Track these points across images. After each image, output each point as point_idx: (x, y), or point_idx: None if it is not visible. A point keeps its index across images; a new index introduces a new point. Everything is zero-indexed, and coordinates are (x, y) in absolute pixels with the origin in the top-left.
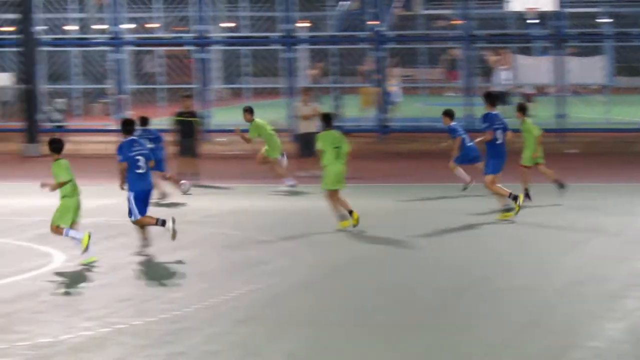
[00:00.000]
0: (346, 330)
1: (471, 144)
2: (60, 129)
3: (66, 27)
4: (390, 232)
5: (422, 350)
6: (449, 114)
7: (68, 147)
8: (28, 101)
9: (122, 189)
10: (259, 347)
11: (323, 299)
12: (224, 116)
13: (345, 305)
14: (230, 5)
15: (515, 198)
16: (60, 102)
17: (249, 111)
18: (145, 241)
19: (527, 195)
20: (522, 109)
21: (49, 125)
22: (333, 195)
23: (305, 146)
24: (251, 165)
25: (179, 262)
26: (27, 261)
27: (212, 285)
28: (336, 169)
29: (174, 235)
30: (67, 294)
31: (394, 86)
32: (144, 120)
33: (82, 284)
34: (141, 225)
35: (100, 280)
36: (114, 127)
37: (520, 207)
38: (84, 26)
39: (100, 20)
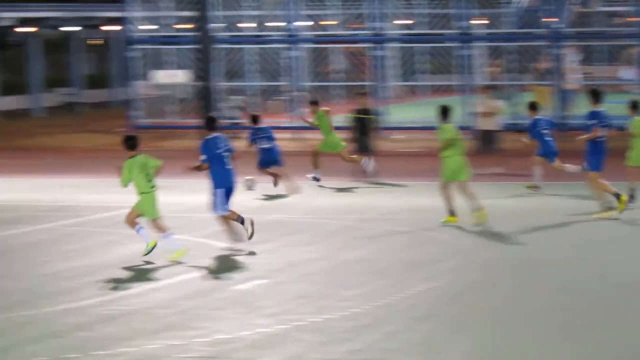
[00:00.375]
0: (523, 328)
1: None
2: (236, 126)
3: (242, 25)
4: (567, 232)
5: (595, 349)
6: (533, 106)
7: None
8: (205, 98)
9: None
10: (438, 345)
11: (499, 297)
12: (400, 113)
13: (521, 303)
14: (406, 3)
15: (618, 196)
16: (237, 99)
17: (314, 104)
18: (234, 235)
19: (631, 196)
20: (635, 107)
21: (226, 122)
22: (447, 187)
23: (486, 143)
24: (428, 163)
25: (356, 259)
26: (203, 258)
27: (389, 282)
28: (456, 160)
29: (251, 235)
30: (243, 290)
31: (572, 83)
32: (255, 119)
33: (258, 281)
34: (225, 220)
35: (276, 278)
36: (291, 125)
37: (624, 206)
38: (260, 23)
39: (276, 18)
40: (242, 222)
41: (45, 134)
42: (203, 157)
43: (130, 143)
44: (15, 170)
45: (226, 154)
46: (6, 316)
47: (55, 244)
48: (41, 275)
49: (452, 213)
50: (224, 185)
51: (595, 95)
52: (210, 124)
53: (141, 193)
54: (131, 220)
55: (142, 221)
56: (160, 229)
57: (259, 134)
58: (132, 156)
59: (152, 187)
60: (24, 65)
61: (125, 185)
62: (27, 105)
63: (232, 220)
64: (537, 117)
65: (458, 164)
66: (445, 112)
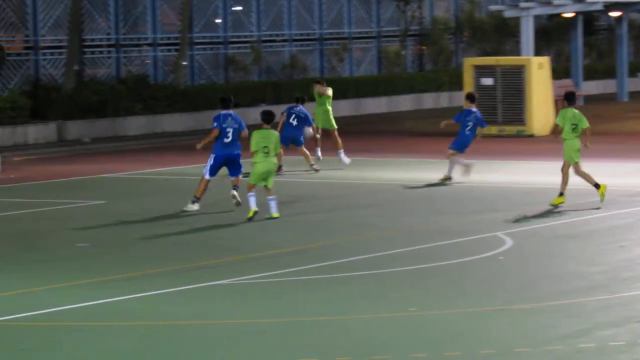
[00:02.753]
0: None
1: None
2: None
3: None
4: None
5: None
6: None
7: None
8: None
9: (197, 148)
10: None
11: None
12: None
13: None
14: None
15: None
16: None
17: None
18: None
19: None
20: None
21: None
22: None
23: None
24: None
25: None
26: None
27: None
28: (571, 143)
29: (237, 203)
30: None
31: None
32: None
33: None
34: (202, 184)
35: None
36: None
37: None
38: None
39: None
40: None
41: (630, 119)
42: (214, 124)
43: None
44: (599, 154)
45: (230, 129)
46: (582, 300)
47: (633, 229)
48: (619, 260)
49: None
50: (217, 153)
51: None
52: (223, 103)
53: None
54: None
55: None
56: None
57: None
58: None
59: None
60: (610, 50)
61: None
62: (613, 90)
63: (204, 186)
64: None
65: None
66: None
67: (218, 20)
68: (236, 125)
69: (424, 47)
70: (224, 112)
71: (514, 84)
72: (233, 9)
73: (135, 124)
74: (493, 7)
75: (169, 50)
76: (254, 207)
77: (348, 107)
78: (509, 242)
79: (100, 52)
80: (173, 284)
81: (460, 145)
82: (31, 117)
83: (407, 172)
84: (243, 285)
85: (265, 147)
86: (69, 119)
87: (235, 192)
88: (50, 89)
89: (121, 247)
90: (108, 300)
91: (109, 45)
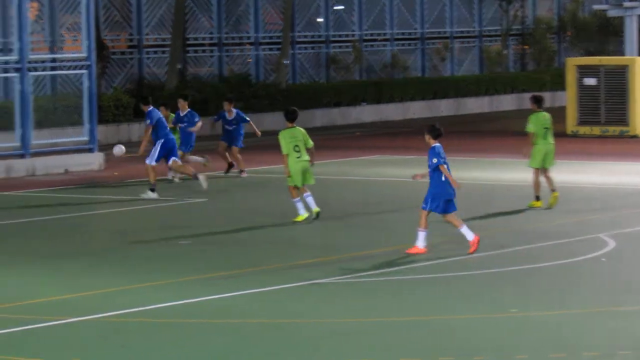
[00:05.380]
0: None
1: None
2: None
3: None
4: None
5: None
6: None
7: None
8: None
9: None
10: None
11: None
12: None
13: None
14: None
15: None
16: None
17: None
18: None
19: None
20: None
21: None
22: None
23: None
24: None
25: None
26: None
27: None
28: (544, 148)
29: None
30: None
31: None
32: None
33: None
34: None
35: None
36: None
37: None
38: None
39: None
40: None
41: None
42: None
43: None
44: None
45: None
46: None
47: None
48: None
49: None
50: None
51: None
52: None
53: None
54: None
55: None
56: None
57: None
58: None
59: None
60: None
61: None
62: None
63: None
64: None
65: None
66: (537, 101)
67: (320, 20)
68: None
69: (526, 47)
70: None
71: (617, 84)
72: (335, 8)
73: None
74: (596, 7)
75: (271, 49)
76: (304, 212)
77: (449, 106)
78: (611, 244)
79: (203, 51)
80: (271, 283)
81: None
82: (134, 115)
83: (508, 173)
84: (340, 284)
85: (296, 146)
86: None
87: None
88: (154, 88)
89: (222, 245)
90: (208, 298)
91: (212, 44)
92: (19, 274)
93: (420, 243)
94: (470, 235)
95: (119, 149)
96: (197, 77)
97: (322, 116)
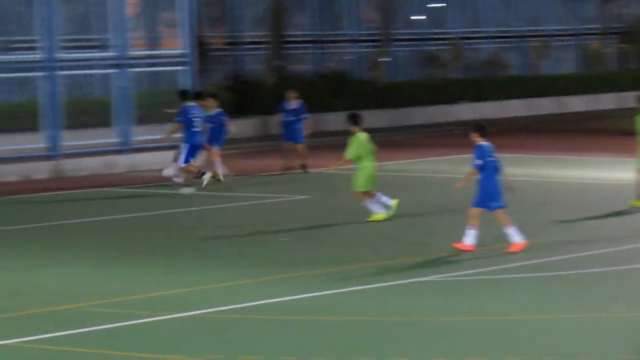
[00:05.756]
0: None
1: None
2: None
3: None
4: None
5: None
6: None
7: None
8: None
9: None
10: None
11: None
12: None
13: None
14: None
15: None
16: None
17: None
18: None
19: None
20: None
21: None
22: None
23: None
24: None
25: None
26: None
27: None
28: None
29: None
30: None
31: None
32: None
33: None
34: (187, 170)
35: None
36: None
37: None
38: None
39: None
40: (201, 175)
41: None
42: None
43: None
44: None
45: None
46: None
47: None
48: None
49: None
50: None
51: None
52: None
53: None
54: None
55: None
56: None
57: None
58: None
59: None
60: None
61: None
62: None
63: (192, 172)
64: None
65: None
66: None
67: (418, 17)
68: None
69: (627, 45)
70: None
71: None
72: (433, 5)
73: (334, 120)
74: None
75: (369, 47)
76: (382, 211)
77: (548, 105)
78: None
79: (301, 48)
80: (377, 280)
81: None
82: (233, 111)
83: (611, 172)
84: (446, 282)
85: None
86: (270, 114)
87: None
88: (252, 84)
89: (323, 242)
90: (312, 295)
91: (310, 42)
92: (123, 270)
93: (469, 240)
94: (518, 238)
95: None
96: (295, 74)
97: (420, 114)
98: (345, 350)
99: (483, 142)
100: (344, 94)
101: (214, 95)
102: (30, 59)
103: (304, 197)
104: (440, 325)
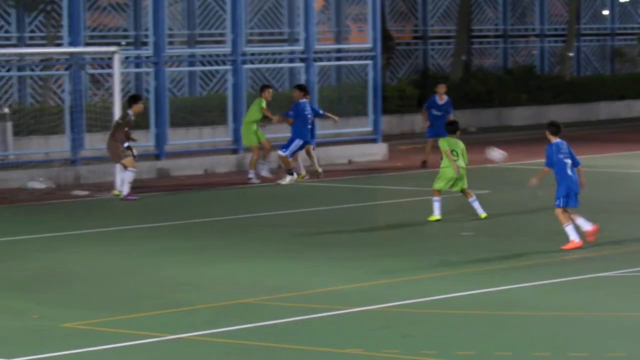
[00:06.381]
0: None
1: None
2: None
3: None
4: None
5: None
6: None
7: None
8: None
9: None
10: None
11: None
12: None
13: None
14: None
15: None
16: None
17: None
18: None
19: None
20: None
21: None
22: None
23: None
24: None
25: None
26: None
27: None
28: None
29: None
30: None
31: None
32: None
33: None
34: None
35: None
36: None
37: None
38: None
39: None
40: (290, 173)
41: None
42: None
43: None
44: None
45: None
46: None
47: None
48: None
49: None
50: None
51: None
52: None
53: None
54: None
55: None
56: None
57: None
58: None
59: None
60: None
61: None
62: None
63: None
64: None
65: None
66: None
67: (605, 12)
68: None
69: None
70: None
71: None
72: (621, 0)
73: (520, 115)
74: None
75: (556, 42)
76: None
77: None
78: None
79: (488, 43)
80: (559, 274)
81: None
82: (418, 106)
83: None
84: (629, 277)
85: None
86: (456, 109)
87: None
88: (438, 79)
89: (505, 236)
90: (493, 289)
91: (497, 36)
92: (299, 264)
93: (573, 236)
94: (587, 226)
95: (500, 155)
96: (482, 68)
97: (607, 109)
98: (523, 346)
99: (555, 140)
100: (530, 88)
101: (299, 87)
102: (216, 52)
103: (485, 192)
104: (624, 320)
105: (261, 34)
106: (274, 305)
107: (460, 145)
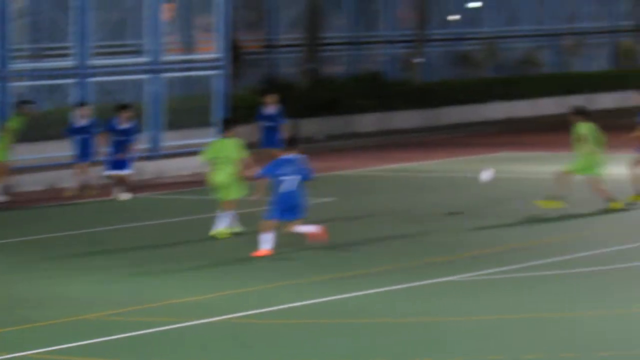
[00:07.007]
0: None
1: None
2: None
3: None
4: None
5: None
6: None
7: None
8: None
9: None
10: None
11: None
12: None
13: None
14: None
15: None
16: None
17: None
18: None
19: None
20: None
21: None
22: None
23: None
24: None
25: None
26: None
27: None
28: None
29: None
30: None
31: None
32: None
33: None
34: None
35: None
36: None
37: None
38: None
39: None
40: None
41: None
42: None
43: None
44: None
45: None
46: None
47: None
48: None
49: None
50: None
51: None
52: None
53: None
54: None
55: None
56: None
57: None
58: None
59: None
60: None
61: None
62: None
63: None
64: None
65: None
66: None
67: (453, 17)
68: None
69: None
70: None
71: None
72: (468, 5)
73: (368, 121)
74: None
75: (404, 48)
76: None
77: (579, 102)
78: None
79: (336, 50)
80: (400, 281)
81: None
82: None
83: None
84: (469, 282)
85: (220, 157)
86: (303, 117)
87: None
88: (286, 87)
89: (349, 245)
90: (338, 297)
91: (345, 43)
92: (152, 277)
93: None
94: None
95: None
96: (330, 76)
97: (454, 113)
98: (368, 353)
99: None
100: (377, 95)
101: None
102: (62, 66)
103: (331, 199)
104: (465, 325)
105: (108, 47)
106: (116, 321)
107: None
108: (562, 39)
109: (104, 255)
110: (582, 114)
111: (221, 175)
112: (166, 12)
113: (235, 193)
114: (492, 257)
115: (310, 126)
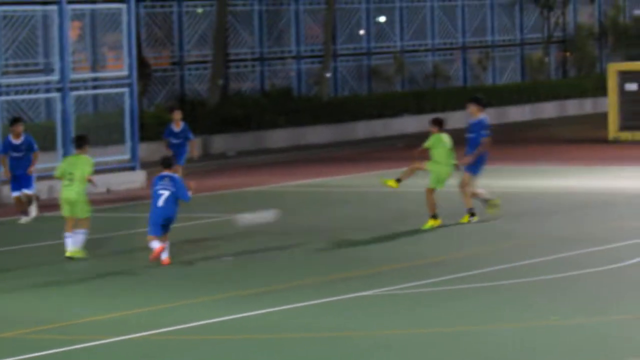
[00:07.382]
0: None
1: None
2: None
3: None
4: None
5: None
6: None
7: None
8: None
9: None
10: None
11: None
12: None
13: None
14: None
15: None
16: None
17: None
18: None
19: None
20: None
21: None
22: None
23: None
24: None
25: None
26: None
27: None
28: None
29: None
30: None
31: None
32: None
33: None
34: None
35: None
36: None
37: None
38: None
39: None
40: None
41: None
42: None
43: None
44: None
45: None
46: None
47: None
48: None
49: None
50: None
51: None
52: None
53: None
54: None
55: None
56: None
57: None
58: None
59: None
60: None
61: None
62: None
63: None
64: None
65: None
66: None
67: (361, 32)
68: None
69: (568, 54)
70: None
71: None
72: (377, 20)
73: (279, 137)
74: (637, 12)
75: (313, 63)
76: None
77: (491, 115)
78: None
79: (245, 66)
80: (316, 296)
81: None
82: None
83: (552, 180)
84: (387, 296)
85: (70, 173)
86: (213, 133)
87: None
88: (196, 104)
89: (265, 260)
90: (249, 314)
91: (254, 59)
92: (58, 295)
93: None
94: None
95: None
96: (239, 92)
97: (365, 128)
98: None
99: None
100: (287, 110)
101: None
102: None
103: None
104: (379, 340)
105: (16, 65)
106: (33, 339)
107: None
108: (471, 52)
109: (16, 275)
110: (438, 124)
111: (70, 192)
112: (73, 30)
113: (82, 211)
114: (406, 271)
115: (221, 142)
